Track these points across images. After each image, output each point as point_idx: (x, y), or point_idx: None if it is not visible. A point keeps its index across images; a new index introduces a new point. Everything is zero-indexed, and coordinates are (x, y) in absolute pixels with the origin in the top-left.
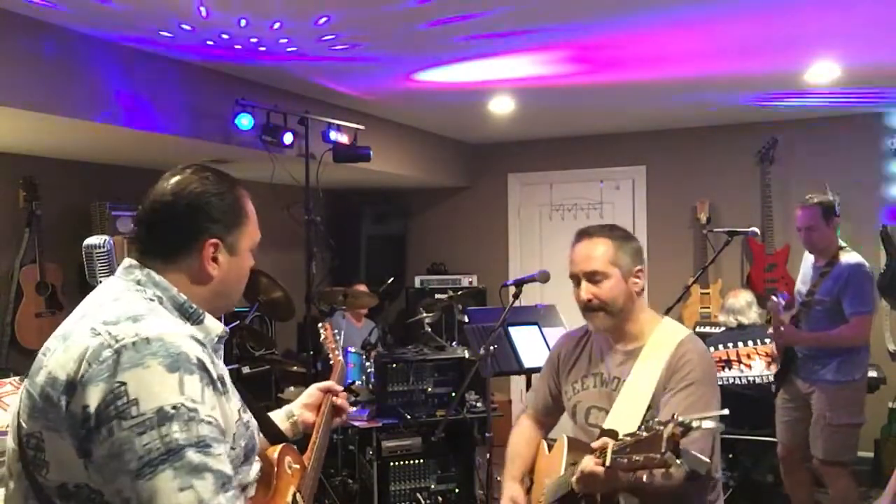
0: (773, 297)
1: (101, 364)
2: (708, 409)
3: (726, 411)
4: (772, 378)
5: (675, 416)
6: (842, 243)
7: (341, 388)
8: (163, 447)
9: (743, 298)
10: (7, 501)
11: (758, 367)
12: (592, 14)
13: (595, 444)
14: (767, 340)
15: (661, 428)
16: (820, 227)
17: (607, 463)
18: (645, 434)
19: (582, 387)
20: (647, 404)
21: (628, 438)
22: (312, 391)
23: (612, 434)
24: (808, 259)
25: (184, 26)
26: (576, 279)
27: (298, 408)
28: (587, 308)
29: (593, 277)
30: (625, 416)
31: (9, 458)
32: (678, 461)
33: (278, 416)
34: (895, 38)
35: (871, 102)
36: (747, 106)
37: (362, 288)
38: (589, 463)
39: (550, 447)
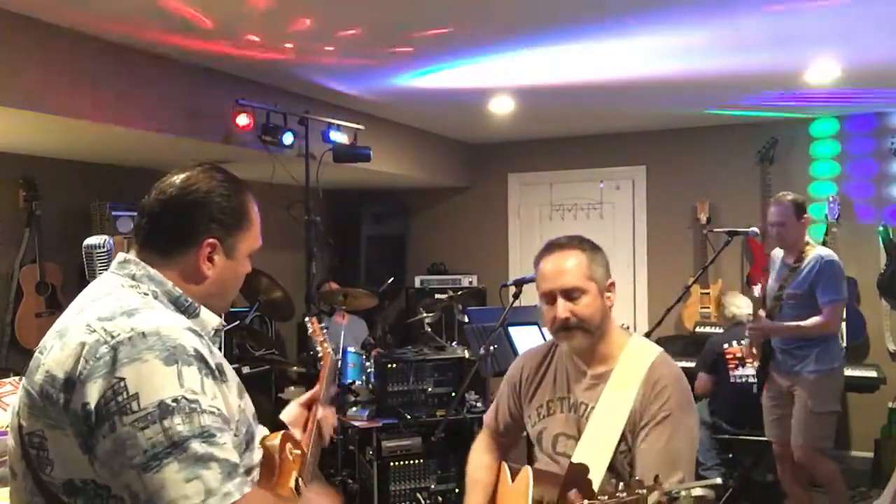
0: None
1: (98, 361)
2: (687, 441)
3: (719, 480)
4: None
5: (661, 481)
6: (808, 239)
7: (320, 397)
8: (166, 440)
9: (735, 304)
10: (12, 500)
11: None
12: (594, 14)
13: (571, 496)
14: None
15: (644, 493)
16: (791, 224)
17: None
18: (626, 497)
19: (548, 412)
20: (618, 435)
21: (606, 499)
22: (292, 409)
23: (583, 470)
24: (777, 256)
25: (184, 26)
26: (549, 297)
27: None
28: (564, 327)
29: (571, 294)
30: (595, 445)
31: (11, 457)
32: None
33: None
34: (895, 38)
35: (871, 102)
36: (747, 106)
37: (334, 286)
38: None
39: (514, 473)
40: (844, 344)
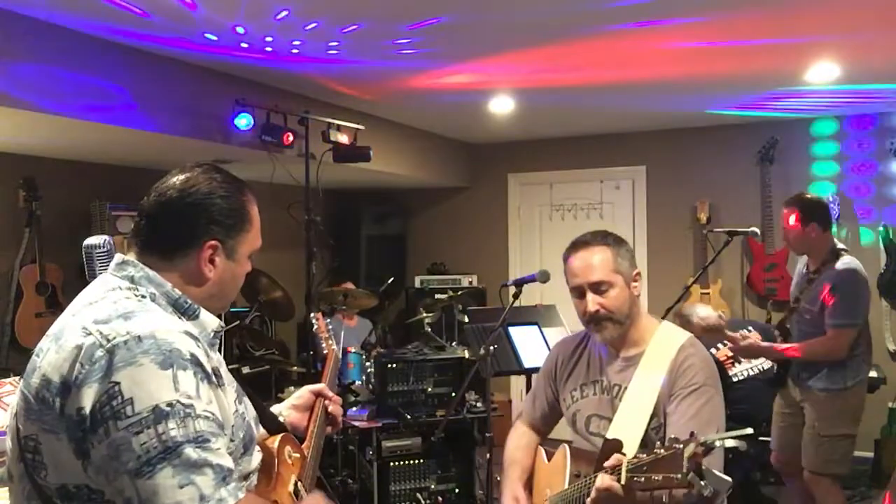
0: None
1: (93, 365)
2: (716, 413)
3: (750, 430)
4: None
5: (696, 435)
6: (840, 247)
7: (332, 395)
8: (160, 445)
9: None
10: (11, 502)
11: None
12: (593, 13)
13: (608, 462)
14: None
15: (681, 447)
16: (796, 229)
17: (622, 481)
18: (663, 452)
19: (581, 395)
20: (650, 412)
21: (644, 456)
22: (303, 392)
23: (617, 445)
24: (802, 261)
25: (184, 26)
26: (579, 291)
27: (287, 408)
28: (594, 319)
29: (599, 288)
30: (628, 424)
31: (9, 460)
32: (702, 482)
33: None
34: (895, 38)
35: (871, 102)
36: (747, 106)
37: (350, 286)
38: (605, 480)
39: (549, 455)
40: None
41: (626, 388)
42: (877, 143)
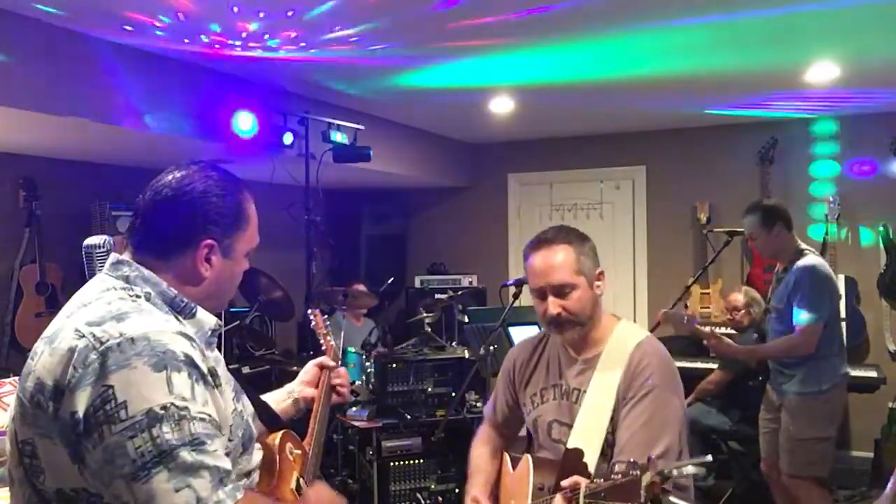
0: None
1: (86, 368)
2: (671, 417)
3: (709, 458)
4: None
5: (654, 461)
6: (802, 246)
7: (335, 364)
8: (155, 449)
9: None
10: None
11: None
12: (592, 13)
13: (565, 483)
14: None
15: (638, 473)
16: (761, 235)
17: None
18: (621, 479)
19: (541, 400)
20: (609, 417)
21: (602, 482)
22: (309, 368)
23: (578, 454)
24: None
25: (184, 27)
26: (540, 292)
27: (298, 385)
28: (555, 322)
29: (561, 290)
30: (588, 431)
31: (9, 463)
32: None
33: (279, 395)
34: (895, 38)
35: (871, 102)
36: (747, 106)
37: (361, 287)
38: None
39: (515, 462)
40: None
41: (584, 391)
42: (876, 143)
